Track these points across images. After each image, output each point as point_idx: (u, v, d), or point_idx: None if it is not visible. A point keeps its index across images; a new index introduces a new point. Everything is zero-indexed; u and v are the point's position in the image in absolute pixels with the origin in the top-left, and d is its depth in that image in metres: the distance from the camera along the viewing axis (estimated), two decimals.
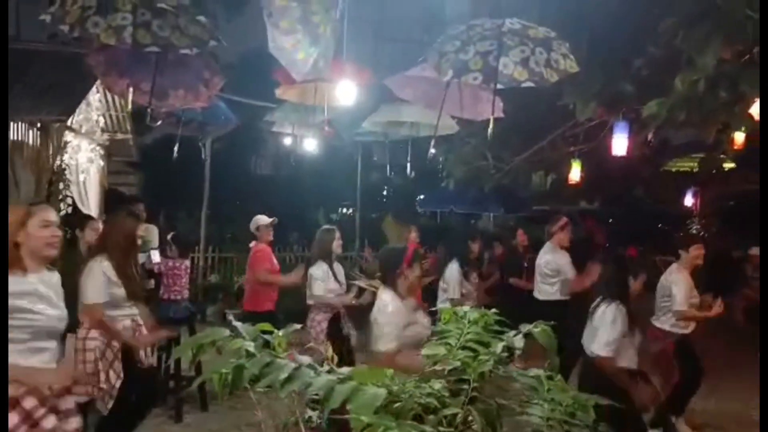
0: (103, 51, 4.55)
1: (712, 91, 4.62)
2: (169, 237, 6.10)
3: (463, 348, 1.82)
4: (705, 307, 5.35)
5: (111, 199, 8.95)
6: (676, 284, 5.25)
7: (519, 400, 1.81)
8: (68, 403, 2.72)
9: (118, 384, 3.69)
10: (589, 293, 4.46)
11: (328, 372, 1.68)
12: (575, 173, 7.90)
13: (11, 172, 6.54)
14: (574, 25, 5.05)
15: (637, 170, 10.16)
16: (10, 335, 2.52)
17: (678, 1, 4.66)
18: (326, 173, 15.62)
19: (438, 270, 6.49)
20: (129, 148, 9.87)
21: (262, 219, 6.03)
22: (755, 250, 9.64)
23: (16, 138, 6.77)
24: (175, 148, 6.04)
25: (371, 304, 3.51)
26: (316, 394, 1.58)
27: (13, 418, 2.49)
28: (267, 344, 1.73)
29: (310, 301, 5.35)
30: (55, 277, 2.81)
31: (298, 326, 1.91)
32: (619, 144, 6.18)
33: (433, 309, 2.80)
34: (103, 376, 3.64)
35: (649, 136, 6.72)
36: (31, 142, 7.00)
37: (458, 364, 1.79)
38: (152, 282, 5.75)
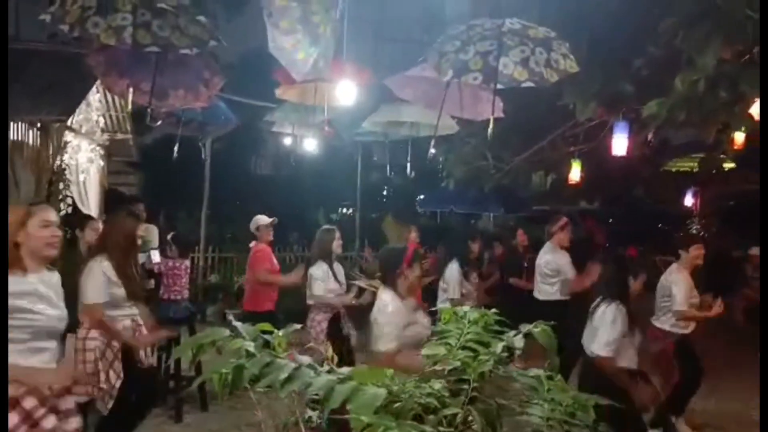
0: (103, 51, 4.55)
1: (712, 91, 4.62)
2: (169, 237, 6.10)
3: (463, 348, 1.82)
4: (705, 307, 5.35)
5: (111, 199, 8.95)
6: (676, 284, 5.25)
7: (519, 400, 1.81)
8: (68, 403, 2.72)
9: (118, 384, 3.69)
10: (589, 293, 4.46)
11: (328, 372, 1.68)
12: (575, 173, 7.90)
13: (11, 172, 6.54)
14: (574, 25, 5.05)
15: (637, 170, 10.16)
16: (11, 335, 2.52)
17: (678, 1, 4.66)
18: (326, 173, 15.62)
19: (438, 270, 6.49)
20: (129, 148, 9.86)
21: (262, 219, 6.02)
22: (755, 250, 9.64)
23: (15, 138, 6.77)
24: (175, 148, 6.04)
25: (371, 304, 3.51)
26: (316, 394, 1.58)
27: (13, 418, 2.48)
28: (267, 344, 1.73)
29: (310, 301, 5.35)
30: (55, 277, 2.81)
31: (298, 326, 1.91)
32: (619, 144, 6.18)
33: (433, 309, 2.80)
34: (103, 376, 3.65)
35: (649, 136, 6.71)
36: (31, 142, 7.00)
37: (458, 364, 1.79)
38: (152, 282, 5.75)
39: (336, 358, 1.93)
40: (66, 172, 7.40)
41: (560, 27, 4.30)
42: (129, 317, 3.89)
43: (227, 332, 1.72)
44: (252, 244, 6.05)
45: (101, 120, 8.63)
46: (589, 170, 8.11)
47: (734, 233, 12.00)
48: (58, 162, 7.20)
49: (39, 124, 7.05)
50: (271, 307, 5.84)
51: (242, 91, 9.24)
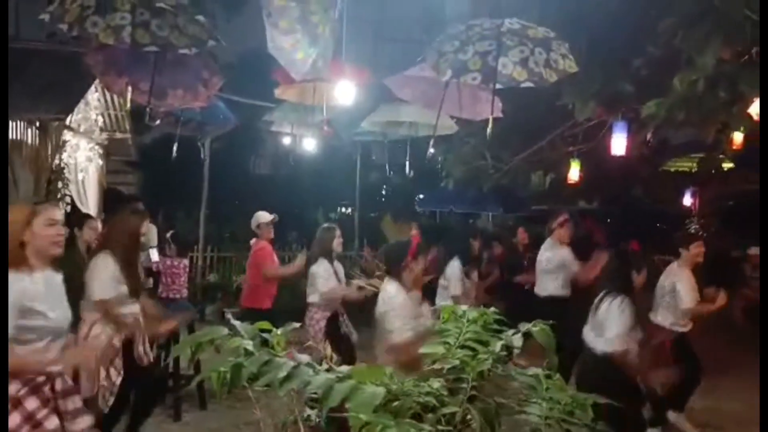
0: (101, 50, 4.55)
1: (711, 91, 4.62)
2: (167, 236, 6.10)
3: (462, 347, 1.83)
4: (709, 300, 5.32)
5: (110, 198, 8.96)
6: (681, 282, 5.19)
7: (518, 398, 1.82)
8: (76, 402, 2.71)
9: (118, 381, 3.70)
10: (591, 289, 4.44)
11: (327, 371, 1.68)
12: (574, 173, 7.89)
13: (10, 171, 6.54)
14: (573, 25, 5.06)
15: (636, 170, 10.15)
16: (18, 336, 2.50)
17: (677, 1, 4.67)
18: (325, 173, 15.63)
19: (438, 269, 6.48)
20: (128, 148, 9.87)
21: (263, 216, 5.98)
22: (754, 250, 9.63)
23: (15, 137, 6.78)
24: (174, 148, 6.05)
25: (374, 301, 3.52)
26: (315, 393, 1.59)
27: (14, 419, 2.47)
28: (265, 343, 1.73)
29: (311, 299, 5.32)
30: (59, 276, 2.80)
31: (297, 325, 1.91)
32: (618, 144, 6.18)
33: (434, 307, 2.81)
34: (103, 373, 3.65)
35: (648, 136, 6.72)
36: (29, 140, 7.00)
37: (457, 362, 1.79)
38: (150, 281, 5.75)
39: (334, 357, 1.93)
40: (65, 170, 7.40)
41: (560, 27, 4.31)
42: (131, 314, 3.89)
43: (226, 331, 1.73)
44: (253, 241, 6.03)
45: (100, 119, 8.63)
46: (588, 170, 8.10)
47: (733, 233, 11.99)
48: (56, 161, 7.21)
49: (38, 123, 7.06)
50: (269, 304, 5.82)
51: (241, 91, 9.23)
